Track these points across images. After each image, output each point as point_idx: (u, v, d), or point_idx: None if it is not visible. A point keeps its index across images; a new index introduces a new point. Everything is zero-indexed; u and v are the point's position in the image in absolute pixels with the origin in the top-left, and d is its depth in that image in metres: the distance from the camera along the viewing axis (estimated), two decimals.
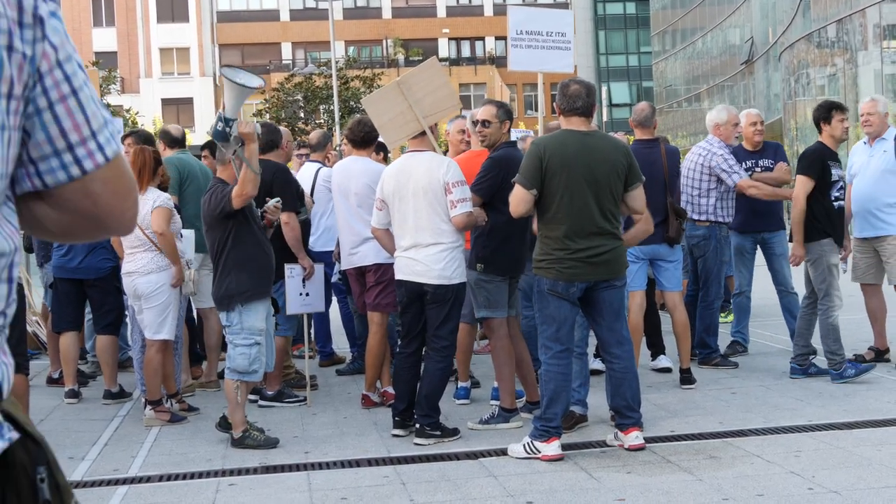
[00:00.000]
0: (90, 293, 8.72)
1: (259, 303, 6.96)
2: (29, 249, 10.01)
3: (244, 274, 6.89)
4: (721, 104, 9.42)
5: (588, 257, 6.29)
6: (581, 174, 6.28)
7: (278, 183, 7.86)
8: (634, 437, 6.44)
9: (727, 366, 9.05)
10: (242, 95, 6.79)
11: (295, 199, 8.10)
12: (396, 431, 7.03)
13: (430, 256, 6.83)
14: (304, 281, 8.18)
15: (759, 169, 9.44)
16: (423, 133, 7.21)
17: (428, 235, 6.84)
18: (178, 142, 9.44)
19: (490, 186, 7.10)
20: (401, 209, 6.93)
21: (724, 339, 9.74)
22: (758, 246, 9.61)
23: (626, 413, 6.49)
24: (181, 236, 8.04)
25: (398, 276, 7.02)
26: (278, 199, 7.66)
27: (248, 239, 6.99)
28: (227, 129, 6.70)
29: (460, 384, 8.09)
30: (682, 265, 8.76)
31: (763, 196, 9.03)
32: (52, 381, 9.46)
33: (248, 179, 6.73)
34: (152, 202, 7.70)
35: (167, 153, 9.25)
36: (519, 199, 6.37)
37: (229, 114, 6.75)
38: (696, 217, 9.00)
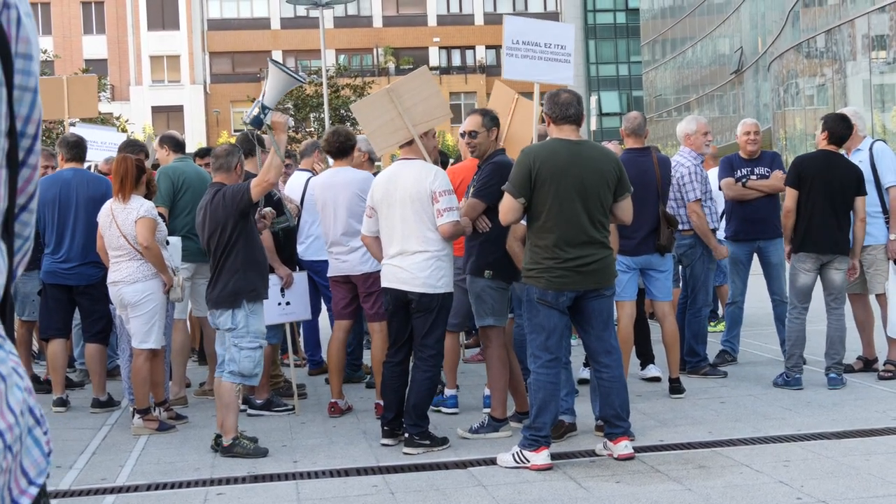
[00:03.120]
0: (79, 300, 8.70)
1: (261, 305, 7.09)
2: None
3: (252, 273, 7.01)
4: (691, 115, 9.45)
5: (577, 266, 6.30)
6: (571, 183, 6.29)
7: None
8: (623, 447, 6.43)
9: (716, 375, 9.07)
10: (286, 86, 7.18)
11: (270, 206, 8.11)
12: (385, 441, 7.01)
13: (416, 264, 6.82)
14: (282, 290, 8.17)
15: (754, 177, 9.44)
16: (413, 141, 7.21)
17: (414, 243, 6.83)
18: (181, 147, 9.43)
19: (496, 191, 7.07)
20: (389, 216, 6.93)
21: (713, 347, 9.75)
22: (754, 254, 9.62)
23: (615, 422, 6.49)
24: (167, 244, 8.01)
25: (384, 284, 7.02)
26: (271, 208, 7.72)
27: (255, 240, 7.14)
28: (263, 117, 7.02)
29: (448, 392, 8.06)
30: (673, 275, 8.77)
31: (697, 229, 8.99)
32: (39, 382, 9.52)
33: (273, 166, 6.85)
34: (136, 212, 7.67)
35: (170, 158, 9.24)
36: (508, 208, 6.38)
37: (268, 102, 7.06)
38: (680, 227, 9.01)
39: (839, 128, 8.53)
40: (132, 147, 9.41)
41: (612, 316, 6.63)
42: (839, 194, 8.39)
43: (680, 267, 9.37)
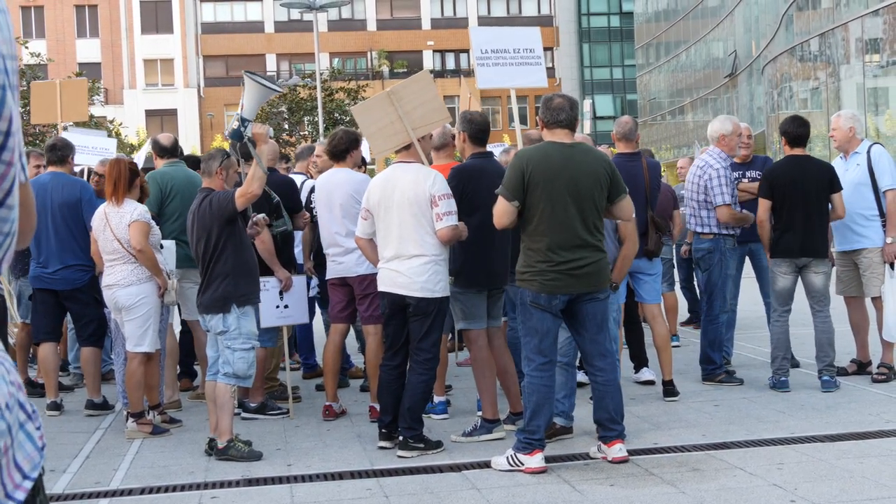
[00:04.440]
0: (69, 305, 8.69)
1: (253, 307, 7.11)
2: None
3: (242, 278, 7.02)
4: (724, 115, 9.31)
5: (571, 269, 6.30)
6: (564, 186, 6.29)
7: None
8: (618, 450, 6.44)
9: (732, 382, 8.90)
10: (263, 98, 7.14)
11: (268, 210, 8.12)
12: (383, 444, 7.00)
13: (414, 269, 6.82)
14: (281, 293, 8.18)
15: (745, 180, 9.44)
16: (411, 145, 7.22)
17: (412, 247, 6.83)
18: (168, 151, 9.34)
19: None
20: (385, 220, 6.93)
21: (693, 357, 9.66)
22: (746, 257, 9.61)
23: (609, 425, 6.49)
24: (161, 247, 8.01)
25: (381, 288, 7.01)
26: (264, 214, 7.72)
27: (244, 245, 7.15)
28: (243, 129, 6.99)
29: (436, 399, 8.04)
30: (663, 278, 8.76)
31: (731, 222, 8.86)
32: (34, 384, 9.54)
33: (256, 177, 6.89)
34: (129, 215, 7.67)
35: (159, 163, 9.23)
36: (501, 211, 6.38)
37: (247, 115, 7.03)
38: (699, 230, 8.96)
39: (792, 128, 8.65)
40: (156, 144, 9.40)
41: (606, 319, 6.62)
42: (813, 196, 8.47)
43: (698, 271, 9.32)
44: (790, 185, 8.47)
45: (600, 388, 6.53)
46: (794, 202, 8.45)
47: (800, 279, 8.64)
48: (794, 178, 8.48)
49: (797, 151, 8.63)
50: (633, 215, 6.77)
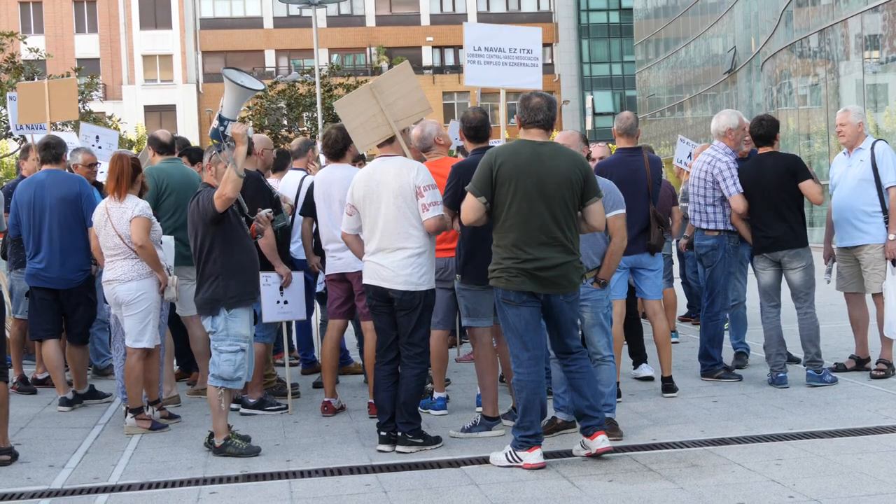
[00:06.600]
0: (64, 302, 8.65)
1: (244, 309, 6.99)
2: (4, 256, 9.97)
3: (232, 280, 6.92)
4: (729, 109, 9.30)
5: (535, 269, 6.24)
6: (531, 183, 6.25)
7: (251, 190, 7.84)
8: (601, 441, 6.37)
9: (731, 378, 8.90)
10: (243, 97, 7.01)
11: (269, 206, 8.11)
12: (382, 447, 6.88)
13: (397, 262, 6.81)
14: (281, 289, 8.18)
15: None
16: (394, 137, 7.20)
17: (395, 240, 6.81)
18: (167, 148, 9.33)
19: (453, 195, 7.04)
20: (370, 213, 6.91)
21: (692, 353, 9.62)
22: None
23: (589, 414, 6.41)
24: (161, 243, 8.00)
25: (365, 281, 6.99)
26: (270, 209, 7.69)
27: (237, 245, 7.03)
28: (223, 129, 6.88)
29: (437, 395, 8.04)
30: (664, 274, 8.75)
31: (746, 214, 8.73)
32: (37, 383, 9.56)
33: (229, 180, 6.76)
34: (131, 211, 7.67)
35: (156, 160, 9.22)
36: (468, 207, 6.38)
37: (227, 114, 6.93)
38: (704, 226, 8.94)
39: (753, 128, 8.84)
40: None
41: (576, 322, 6.58)
42: (774, 190, 8.56)
43: (700, 267, 9.32)
44: (752, 182, 8.63)
45: (575, 376, 6.47)
46: (759, 198, 8.61)
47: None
48: (754, 176, 8.65)
49: (765, 149, 8.76)
50: (603, 224, 6.66)
